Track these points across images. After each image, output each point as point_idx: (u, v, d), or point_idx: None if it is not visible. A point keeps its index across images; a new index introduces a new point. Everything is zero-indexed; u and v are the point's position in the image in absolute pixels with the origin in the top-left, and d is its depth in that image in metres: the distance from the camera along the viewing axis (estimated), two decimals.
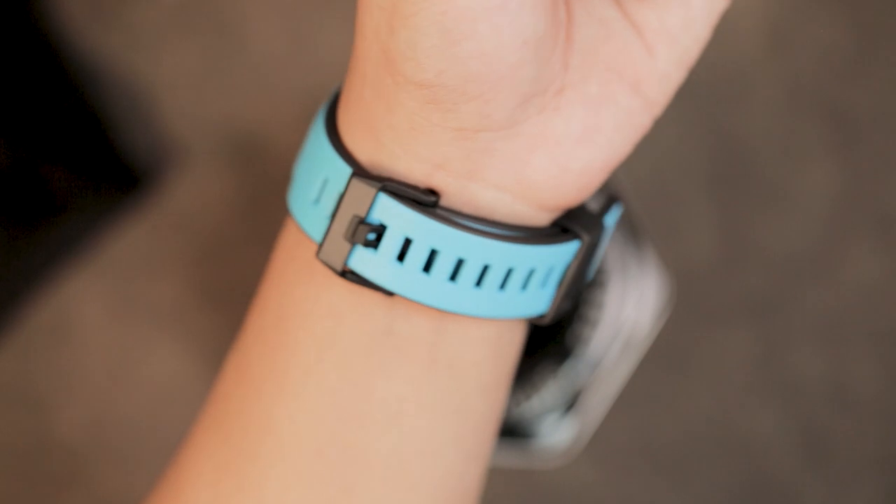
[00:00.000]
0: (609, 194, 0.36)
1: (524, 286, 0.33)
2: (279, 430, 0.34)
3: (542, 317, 0.34)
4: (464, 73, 0.30)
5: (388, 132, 0.31)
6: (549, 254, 0.33)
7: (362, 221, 0.32)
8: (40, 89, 0.64)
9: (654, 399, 0.63)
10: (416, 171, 0.32)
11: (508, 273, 0.32)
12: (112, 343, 0.63)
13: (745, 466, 0.62)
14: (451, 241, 0.31)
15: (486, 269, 0.32)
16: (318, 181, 0.33)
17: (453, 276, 0.32)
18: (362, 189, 0.31)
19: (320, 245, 0.32)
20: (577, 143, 0.32)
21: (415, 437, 0.34)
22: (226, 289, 0.63)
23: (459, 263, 0.32)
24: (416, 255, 0.32)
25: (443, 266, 0.32)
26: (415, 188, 0.31)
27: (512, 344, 0.35)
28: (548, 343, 0.55)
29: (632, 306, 0.55)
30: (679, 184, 0.64)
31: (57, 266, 0.63)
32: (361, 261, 0.32)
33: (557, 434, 0.56)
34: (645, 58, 0.32)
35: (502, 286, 0.33)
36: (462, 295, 0.32)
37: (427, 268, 0.32)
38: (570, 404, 0.56)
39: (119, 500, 0.62)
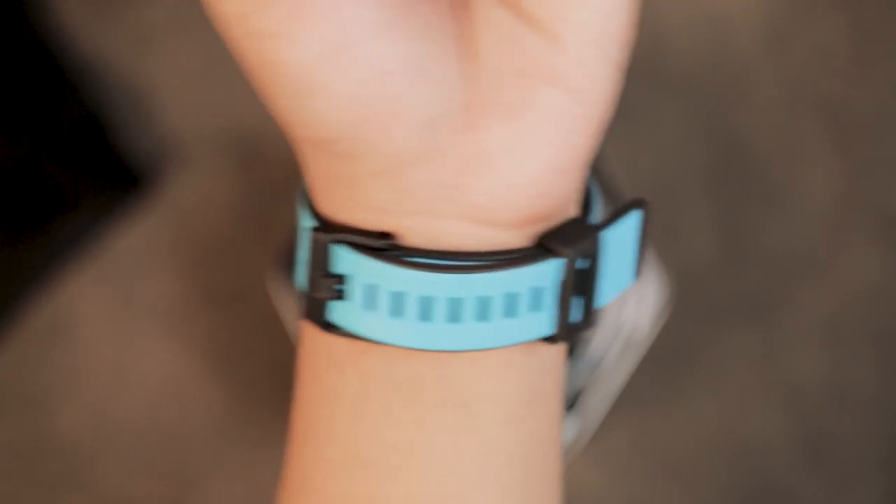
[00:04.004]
0: (631, 200, 0.34)
1: (511, 313, 0.32)
2: (308, 476, 0.34)
3: (552, 338, 0.33)
4: (339, 121, 0.29)
5: (334, 187, 0.31)
6: (524, 276, 0.31)
7: (326, 275, 0.32)
8: (41, 90, 0.64)
9: (655, 399, 0.63)
10: (367, 219, 0.31)
11: (486, 302, 0.31)
12: (112, 343, 0.63)
13: (745, 466, 0.62)
14: (412, 282, 0.31)
15: (458, 302, 0.31)
16: (304, 241, 0.33)
17: (427, 315, 0.31)
18: (320, 243, 0.31)
19: (301, 305, 0.33)
20: (511, 155, 0.30)
21: (434, 482, 0.33)
22: (225, 289, 0.63)
23: (429, 301, 0.31)
24: (384, 300, 0.31)
25: (413, 307, 0.31)
26: (369, 234, 0.31)
27: (535, 369, 0.34)
28: None
29: (632, 306, 0.55)
30: (679, 184, 0.64)
31: (57, 266, 0.63)
32: (339, 313, 0.32)
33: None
34: (552, 51, 0.30)
35: (482, 317, 0.32)
36: (441, 331, 0.32)
37: (400, 312, 0.31)
38: (571, 404, 0.56)
39: (119, 500, 0.62)
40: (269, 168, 0.65)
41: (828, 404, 0.62)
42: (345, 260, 0.31)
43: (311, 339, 0.34)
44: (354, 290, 0.31)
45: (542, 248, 0.32)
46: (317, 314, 0.32)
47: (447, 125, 0.30)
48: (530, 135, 0.30)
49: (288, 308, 0.59)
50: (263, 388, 0.62)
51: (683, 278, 0.63)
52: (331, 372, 0.33)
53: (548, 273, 0.32)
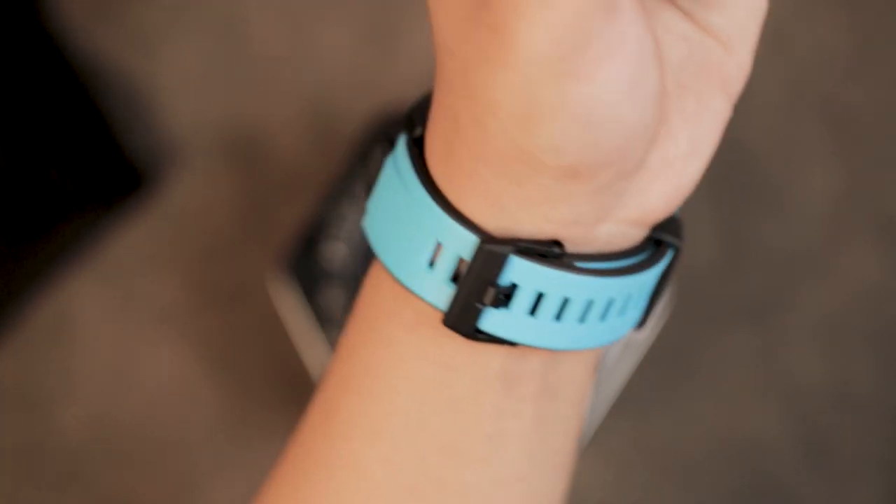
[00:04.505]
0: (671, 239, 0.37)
1: (623, 311, 0.34)
2: (369, 471, 0.35)
3: (636, 328, 0.35)
4: (608, 148, 0.30)
5: (514, 202, 0.32)
6: (656, 273, 0.34)
7: (493, 284, 0.32)
8: (42, 91, 0.64)
9: (655, 400, 0.63)
10: (544, 231, 0.32)
11: (612, 303, 0.33)
12: (112, 343, 0.63)
13: (745, 466, 0.62)
14: (582, 288, 0.32)
15: (610, 303, 0.33)
16: (427, 246, 0.33)
17: (582, 317, 0.33)
18: (492, 254, 0.32)
19: (448, 313, 0.33)
20: (686, 158, 0.32)
21: (515, 465, 0.35)
22: (225, 289, 0.63)
23: (590, 305, 0.33)
24: (550, 307, 0.32)
25: (576, 311, 0.33)
26: (541, 243, 0.32)
27: (598, 353, 0.36)
28: None
29: None
30: None
31: (58, 266, 0.63)
32: (491, 321, 0.33)
33: None
34: (725, 57, 0.32)
35: (604, 316, 0.34)
36: (579, 331, 0.33)
37: (559, 315, 0.33)
38: None
39: (119, 500, 0.62)
40: (269, 168, 0.65)
41: (828, 404, 0.62)
42: (519, 271, 0.32)
43: (400, 336, 0.34)
44: (521, 298, 0.32)
45: (657, 242, 0.34)
46: (469, 322, 0.33)
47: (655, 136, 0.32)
48: (700, 138, 0.32)
49: (288, 308, 0.59)
50: (263, 387, 0.62)
51: (684, 279, 0.63)
52: (431, 367, 0.34)
53: (662, 268, 0.34)
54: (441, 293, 0.33)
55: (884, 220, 0.64)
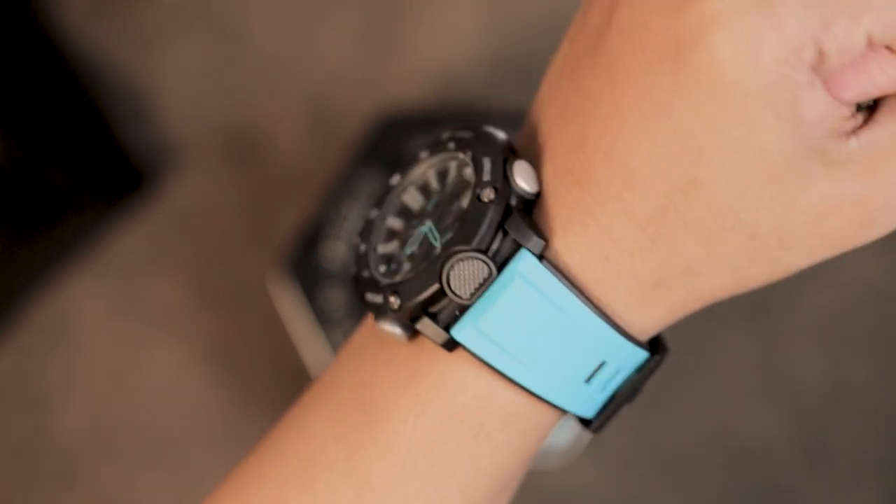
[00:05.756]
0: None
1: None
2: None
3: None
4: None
5: (662, 309, 0.33)
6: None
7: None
8: (42, 90, 0.64)
9: (655, 400, 0.63)
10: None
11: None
12: (112, 343, 0.63)
13: (745, 466, 0.62)
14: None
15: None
16: (590, 365, 0.32)
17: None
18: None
19: (595, 421, 0.33)
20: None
21: (481, 488, 0.34)
22: (225, 289, 0.63)
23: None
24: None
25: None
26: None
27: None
28: None
29: None
30: None
31: (58, 266, 0.63)
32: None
33: (558, 435, 0.56)
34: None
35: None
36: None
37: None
38: None
39: (119, 499, 0.62)
40: (269, 168, 0.65)
41: (828, 404, 0.62)
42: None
43: (443, 366, 0.33)
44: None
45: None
46: (607, 420, 0.34)
47: None
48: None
49: (288, 308, 0.59)
50: (263, 387, 0.62)
51: None
52: (462, 398, 0.33)
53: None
54: (590, 404, 0.33)
55: None
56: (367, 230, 0.35)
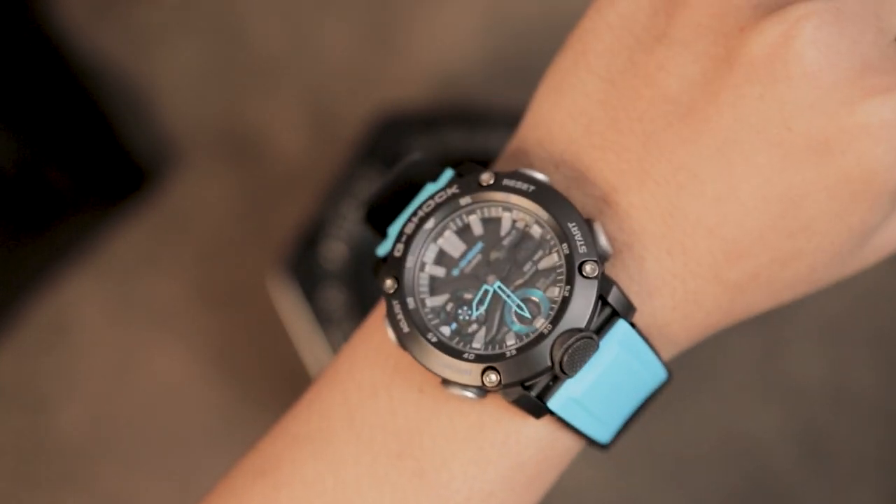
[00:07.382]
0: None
1: None
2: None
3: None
4: None
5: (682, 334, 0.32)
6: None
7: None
8: (42, 91, 0.64)
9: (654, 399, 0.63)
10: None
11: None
12: (112, 343, 0.63)
13: (745, 466, 0.62)
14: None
15: None
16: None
17: None
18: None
19: (610, 444, 0.34)
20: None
21: None
22: (225, 289, 0.63)
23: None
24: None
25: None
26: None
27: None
28: None
29: None
30: None
31: (58, 266, 0.63)
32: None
33: None
34: None
35: None
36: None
37: None
38: None
39: (119, 500, 0.62)
40: (269, 168, 0.65)
41: (828, 404, 0.62)
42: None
43: (443, 404, 0.33)
44: None
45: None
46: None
47: None
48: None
49: (288, 308, 0.59)
50: (263, 387, 0.62)
51: None
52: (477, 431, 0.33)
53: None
54: (615, 432, 0.35)
55: None
56: (398, 271, 0.33)
